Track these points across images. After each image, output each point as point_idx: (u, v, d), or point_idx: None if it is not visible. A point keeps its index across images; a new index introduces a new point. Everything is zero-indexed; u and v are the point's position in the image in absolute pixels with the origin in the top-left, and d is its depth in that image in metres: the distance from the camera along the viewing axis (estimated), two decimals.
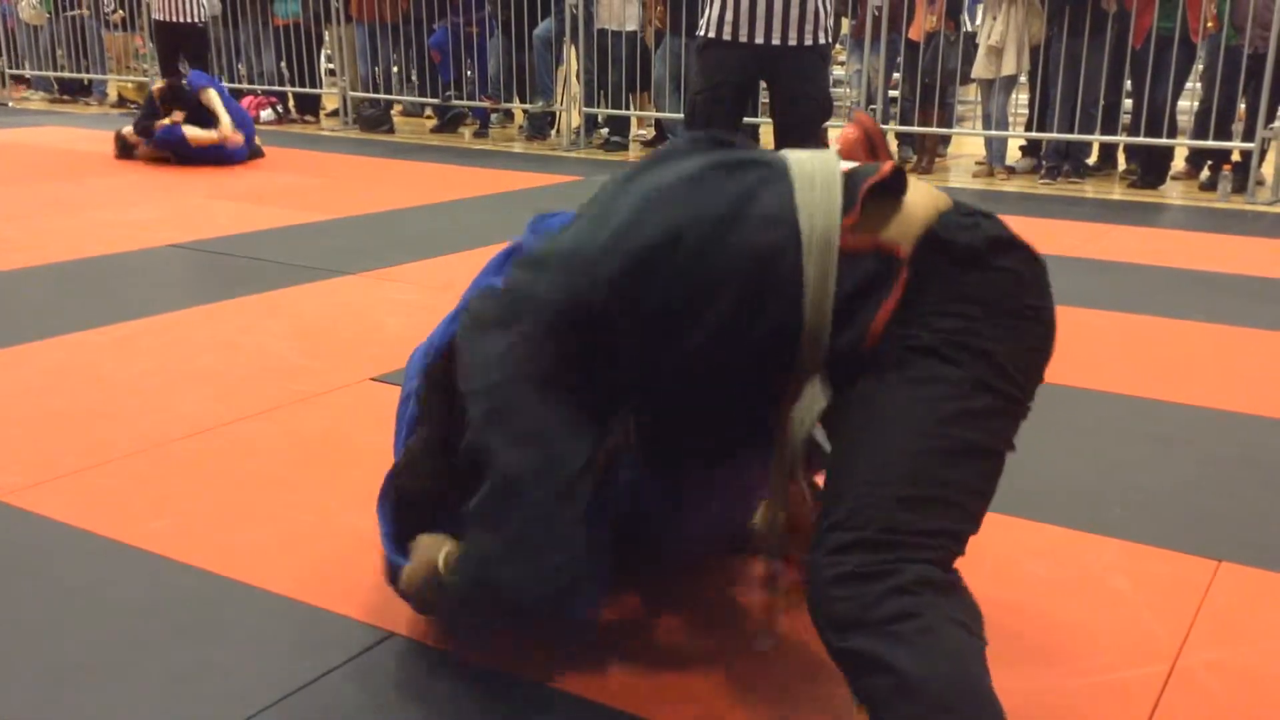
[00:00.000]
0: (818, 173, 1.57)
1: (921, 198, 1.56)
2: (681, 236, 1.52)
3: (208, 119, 7.17)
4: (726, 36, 4.11)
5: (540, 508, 1.55)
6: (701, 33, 4.24)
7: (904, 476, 1.40)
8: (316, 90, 10.02)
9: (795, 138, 4.07)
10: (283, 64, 9.99)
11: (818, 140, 4.16)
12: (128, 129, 7.34)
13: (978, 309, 1.48)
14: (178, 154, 7.11)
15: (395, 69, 9.72)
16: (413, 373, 2.03)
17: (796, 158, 1.61)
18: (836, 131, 8.07)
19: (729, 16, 4.10)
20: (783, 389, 1.56)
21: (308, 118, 9.97)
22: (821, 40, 4.09)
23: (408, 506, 1.88)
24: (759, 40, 4.04)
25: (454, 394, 1.70)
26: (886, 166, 1.56)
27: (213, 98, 7.21)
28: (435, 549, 1.75)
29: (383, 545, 1.91)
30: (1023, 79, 7.53)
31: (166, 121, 7.12)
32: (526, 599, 1.60)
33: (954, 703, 1.30)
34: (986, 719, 1.33)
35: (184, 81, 7.37)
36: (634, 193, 1.62)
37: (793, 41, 4.02)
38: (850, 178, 1.57)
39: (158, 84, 7.52)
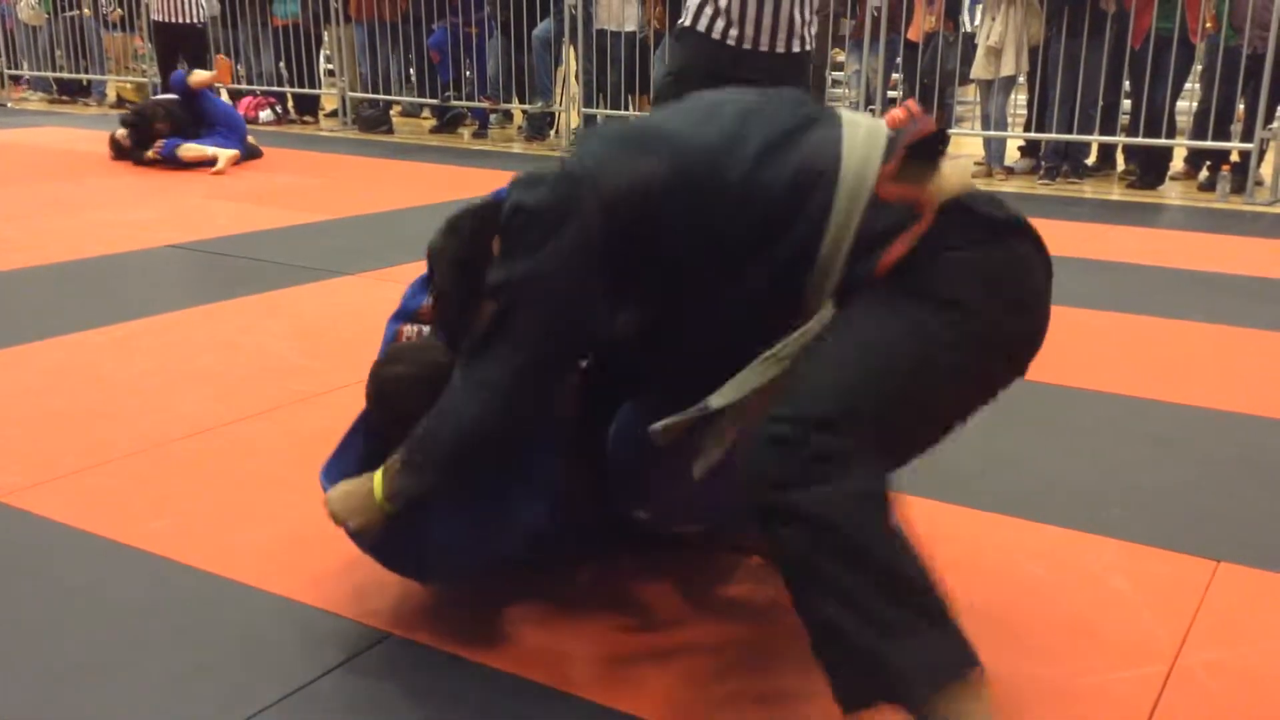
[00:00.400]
0: (864, 123, 1.68)
1: (957, 171, 1.65)
2: (747, 139, 1.64)
3: (197, 129, 7.11)
4: (701, 28, 4.12)
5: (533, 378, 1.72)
6: (682, 20, 4.27)
7: (846, 390, 1.51)
8: (315, 91, 10.01)
9: None
10: (281, 64, 9.98)
11: None
12: (121, 131, 7.30)
13: (982, 284, 1.56)
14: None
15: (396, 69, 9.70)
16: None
17: (845, 111, 1.75)
18: None
19: (708, 10, 4.11)
20: (789, 318, 1.64)
21: (306, 118, 9.96)
22: (795, 49, 4.03)
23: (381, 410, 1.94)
24: (730, 42, 4.05)
25: (469, 265, 1.79)
26: (929, 124, 1.63)
27: (192, 150, 7.01)
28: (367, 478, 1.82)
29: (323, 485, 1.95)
30: (1021, 79, 7.53)
31: (151, 154, 7.08)
32: (489, 431, 1.73)
33: (864, 542, 1.44)
34: (899, 558, 1.46)
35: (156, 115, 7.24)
36: (708, 100, 1.77)
37: (764, 47, 3.99)
38: (895, 135, 1.65)
39: (120, 132, 7.32)
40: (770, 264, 1.61)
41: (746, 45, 3.96)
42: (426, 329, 2.03)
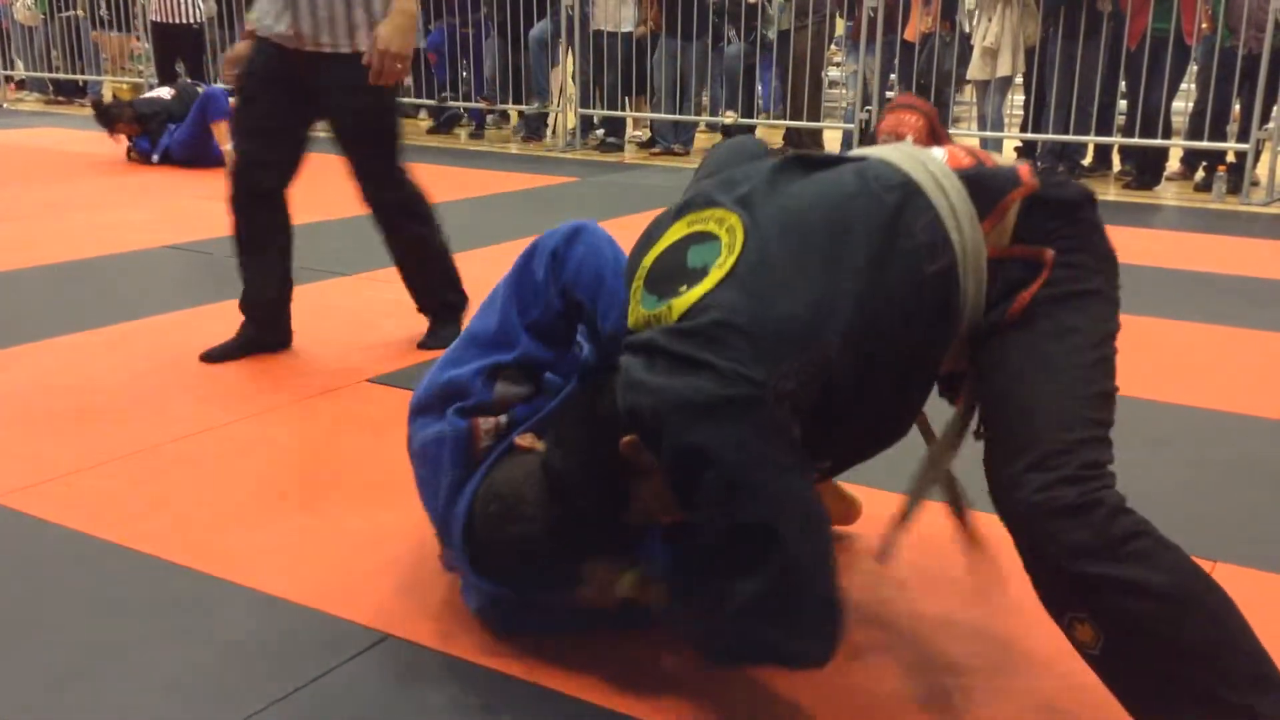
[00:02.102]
0: (941, 178, 1.64)
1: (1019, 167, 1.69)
2: (883, 271, 1.57)
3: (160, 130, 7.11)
4: (261, 30, 3.29)
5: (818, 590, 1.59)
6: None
7: (1076, 422, 1.55)
8: None
9: (363, 172, 3.51)
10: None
11: (392, 179, 3.53)
12: (106, 96, 7.28)
13: (1090, 257, 1.65)
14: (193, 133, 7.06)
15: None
16: (423, 412, 1.93)
17: (907, 162, 1.66)
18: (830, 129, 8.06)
19: (264, 5, 3.27)
20: (929, 377, 1.71)
21: None
22: (363, 47, 3.22)
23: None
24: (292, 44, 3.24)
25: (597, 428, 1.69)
26: (1026, 174, 1.65)
27: (225, 131, 7.00)
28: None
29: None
30: (1018, 80, 7.54)
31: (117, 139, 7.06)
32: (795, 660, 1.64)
33: (1199, 599, 1.47)
34: (1225, 606, 1.48)
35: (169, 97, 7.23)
36: (798, 250, 1.59)
37: (328, 48, 3.22)
38: (975, 181, 1.64)
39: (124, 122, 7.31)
40: (919, 364, 1.66)
41: (309, 47, 3.22)
42: (504, 418, 1.88)
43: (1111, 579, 1.45)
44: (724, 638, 1.67)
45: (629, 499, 1.69)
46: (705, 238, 1.64)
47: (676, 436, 1.52)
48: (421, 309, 3.67)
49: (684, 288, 1.59)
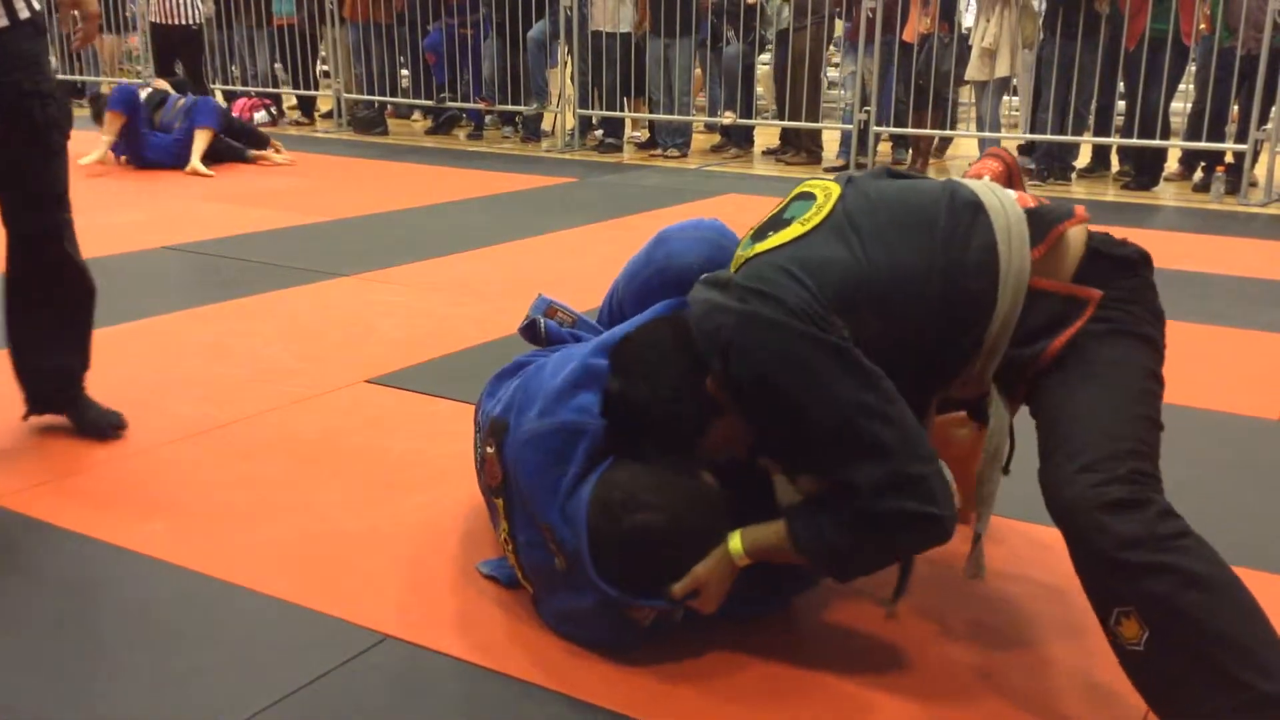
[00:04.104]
0: (1007, 206, 1.79)
1: (1078, 228, 1.83)
2: (925, 276, 1.74)
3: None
4: None
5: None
6: None
7: (1124, 436, 1.67)
8: (311, 92, 10.00)
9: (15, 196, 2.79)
10: (278, 65, 9.96)
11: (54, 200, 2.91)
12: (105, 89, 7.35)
13: (1144, 310, 1.79)
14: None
15: (405, 71, 9.67)
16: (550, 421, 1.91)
17: (983, 189, 1.83)
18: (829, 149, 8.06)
19: None
20: (946, 386, 1.85)
21: (302, 119, 9.96)
22: (22, 14, 2.55)
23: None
24: None
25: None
26: (1080, 211, 1.81)
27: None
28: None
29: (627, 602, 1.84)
30: (1015, 81, 7.54)
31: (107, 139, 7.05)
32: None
33: (1237, 595, 1.59)
34: (1254, 603, 1.60)
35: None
36: (873, 227, 1.78)
37: None
38: (1034, 213, 1.80)
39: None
40: (944, 363, 1.79)
41: None
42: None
43: (1157, 565, 1.55)
44: (860, 536, 1.73)
45: (704, 431, 1.81)
46: (807, 196, 1.87)
47: (755, 350, 1.70)
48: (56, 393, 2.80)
49: (771, 234, 1.82)
